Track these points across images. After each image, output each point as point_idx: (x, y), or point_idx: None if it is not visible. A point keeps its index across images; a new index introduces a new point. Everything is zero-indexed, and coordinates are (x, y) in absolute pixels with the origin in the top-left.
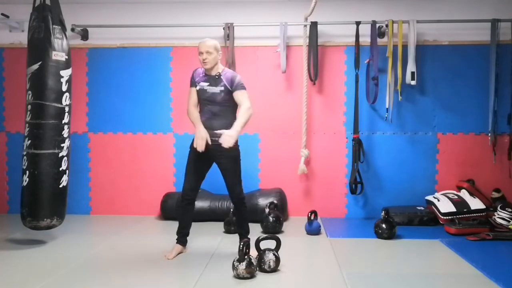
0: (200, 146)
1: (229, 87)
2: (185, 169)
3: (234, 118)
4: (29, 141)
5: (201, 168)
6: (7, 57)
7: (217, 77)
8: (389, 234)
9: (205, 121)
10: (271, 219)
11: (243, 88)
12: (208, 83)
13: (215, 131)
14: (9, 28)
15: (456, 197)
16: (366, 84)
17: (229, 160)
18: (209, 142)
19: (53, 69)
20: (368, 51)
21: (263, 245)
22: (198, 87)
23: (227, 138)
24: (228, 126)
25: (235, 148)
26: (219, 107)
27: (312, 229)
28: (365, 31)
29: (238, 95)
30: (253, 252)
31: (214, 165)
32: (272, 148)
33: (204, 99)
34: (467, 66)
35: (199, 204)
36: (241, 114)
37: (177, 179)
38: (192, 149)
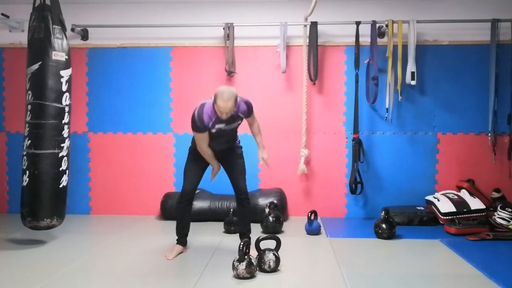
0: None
1: (244, 117)
2: (184, 170)
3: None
4: (29, 141)
5: (201, 169)
6: (7, 57)
7: (234, 115)
8: (389, 234)
9: (213, 143)
10: (271, 219)
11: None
12: (224, 124)
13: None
14: (9, 28)
15: (456, 197)
16: (366, 84)
17: (235, 157)
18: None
19: (53, 69)
20: (368, 51)
21: (263, 245)
22: (214, 130)
23: (268, 161)
24: (234, 141)
25: (240, 147)
26: (232, 134)
27: (312, 229)
28: (365, 31)
29: (252, 119)
30: (253, 252)
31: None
32: (272, 148)
33: (220, 135)
34: (467, 66)
35: (199, 204)
36: (258, 133)
37: (177, 179)
38: (194, 152)
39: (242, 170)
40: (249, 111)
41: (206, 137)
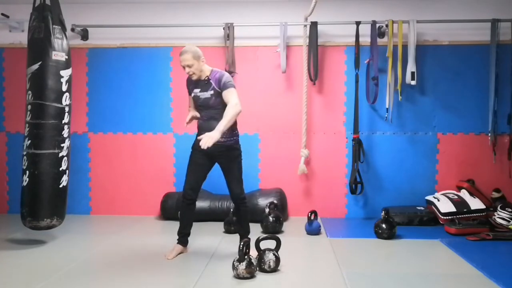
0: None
1: (217, 88)
2: (186, 169)
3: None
4: (29, 141)
5: (203, 168)
6: (7, 57)
7: (206, 82)
8: (389, 234)
9: (203, 123)
10: (271, 219)
11: (231, 86)
12: (199, 89)
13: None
14: (9, 28)
15: (456, 197)
16: (366, 84)
17: (229, 160)
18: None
19: (53, 69)
20: (368, 51)
21: (263, 245)
22: (192, 94)
23: (206, 139)
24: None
25: (236, 148)
26: (214, 110)
27: (312, 229)
28: (365, 31)
29: (226, 94)
30: (253, 252)
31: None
32: (272, 148)
33: (199, 105)
34: (467, 66)
35: (199, 204)
36: (226, 113)
37: (177, 179)
38: (195, 149)
39: (238, 174)
40: (219, 79)
41: (191, 100)
